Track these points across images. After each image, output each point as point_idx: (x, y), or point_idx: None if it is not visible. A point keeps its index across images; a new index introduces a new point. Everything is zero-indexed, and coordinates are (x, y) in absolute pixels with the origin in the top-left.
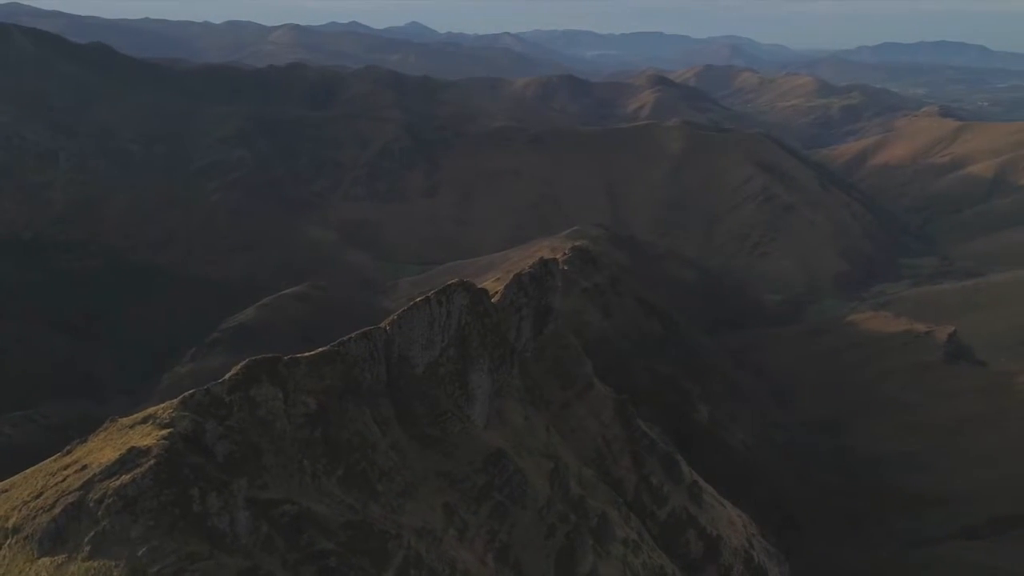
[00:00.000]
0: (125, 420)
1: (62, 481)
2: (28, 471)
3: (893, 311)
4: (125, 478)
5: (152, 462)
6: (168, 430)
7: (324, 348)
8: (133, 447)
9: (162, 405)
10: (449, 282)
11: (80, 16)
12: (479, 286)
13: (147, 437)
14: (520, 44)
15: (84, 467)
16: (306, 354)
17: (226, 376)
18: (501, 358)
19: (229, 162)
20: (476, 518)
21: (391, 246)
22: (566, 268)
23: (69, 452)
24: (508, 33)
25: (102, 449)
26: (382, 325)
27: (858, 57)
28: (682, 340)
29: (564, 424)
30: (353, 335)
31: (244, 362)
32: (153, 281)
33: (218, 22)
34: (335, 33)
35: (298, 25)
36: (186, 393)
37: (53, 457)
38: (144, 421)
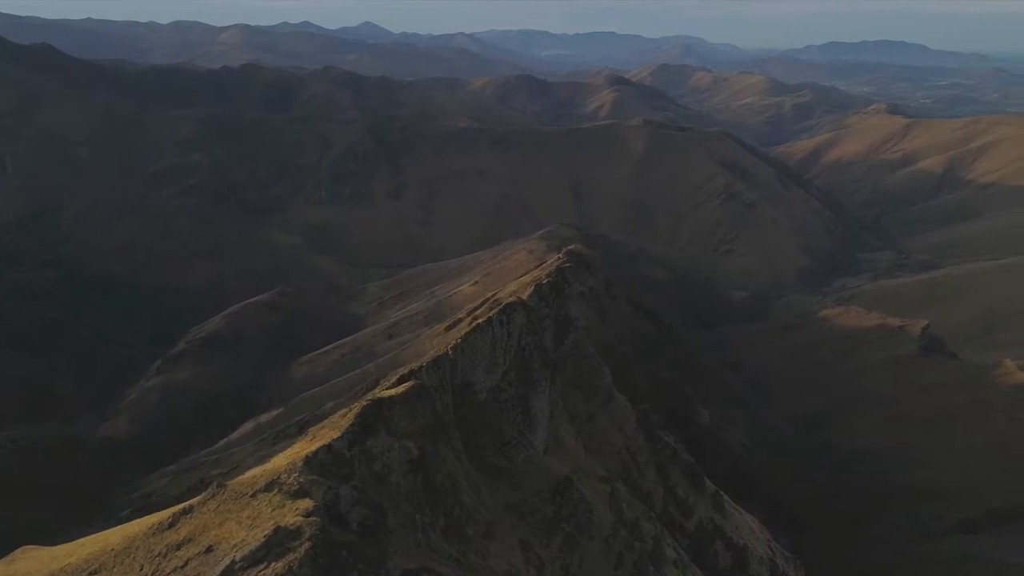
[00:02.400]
0: (239, 485)
1: (183, 566)
2: (116, 544)
3: (858, 305)
4: (277, 567)
5: (307, 546)
6: (306, 501)
7: (409, 384)
8: (279, 527)
9: (279, 465)
10: (507, 301)
11: (19, 16)
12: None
13: (283, 511)
14: (475, 44)
15: (210, 549)
16: (393, 391)
17: (344, 426)
18: (552, 377)
19: (186, 166)
20: (549, 552)
21: (356, 250)
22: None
23: (174, 525)
24: (463, 33)
25: (223, 524)
26: (446, 350)
27: (806, 56)
28: (675, 342)
29: (590, 438)
30: (424, 364)
31: (358, 408)
32: (111, 291)
33: (164, 22)
34: (287, 33)
35: (248, 25)
36: (307, 452)
37: (147, 528)
38: (268, 488)
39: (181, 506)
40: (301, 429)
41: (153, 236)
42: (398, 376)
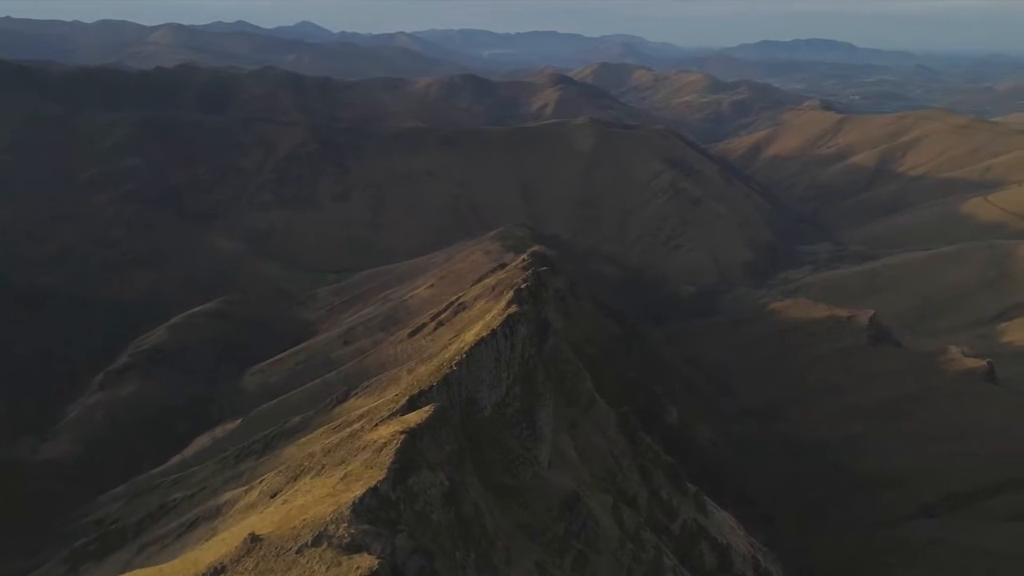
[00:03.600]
0: (278, 539)
1: None
2: None
3: (804, 297)
4: None
5: None
6: (365, 557)
7: (430, 409)
8: None
9: (320, 514)
10: (509, 312)
11: None
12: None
13: (340, 569)
14: (417, 43)
15: None
16: (417, 418)
17: (386, 464)
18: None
19: (121, 172)
20: (562, 572)
21: (303, 254)
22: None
23: None
24: (404, 32)
25: None
26: (451, 366)
27: (741, 54)
28: (640, 340)
29: (575, 444)
30: (433, 384)
31: (399, 443)
32: (45, 304)
33: (89, 21)
34: (221, 33)
35: (180, 24)
36: (353, 498)
37: None
38: (316, 543)
39: (208, 565)
40: (267, 445)
41: (88, 245)
42: (407, 397)
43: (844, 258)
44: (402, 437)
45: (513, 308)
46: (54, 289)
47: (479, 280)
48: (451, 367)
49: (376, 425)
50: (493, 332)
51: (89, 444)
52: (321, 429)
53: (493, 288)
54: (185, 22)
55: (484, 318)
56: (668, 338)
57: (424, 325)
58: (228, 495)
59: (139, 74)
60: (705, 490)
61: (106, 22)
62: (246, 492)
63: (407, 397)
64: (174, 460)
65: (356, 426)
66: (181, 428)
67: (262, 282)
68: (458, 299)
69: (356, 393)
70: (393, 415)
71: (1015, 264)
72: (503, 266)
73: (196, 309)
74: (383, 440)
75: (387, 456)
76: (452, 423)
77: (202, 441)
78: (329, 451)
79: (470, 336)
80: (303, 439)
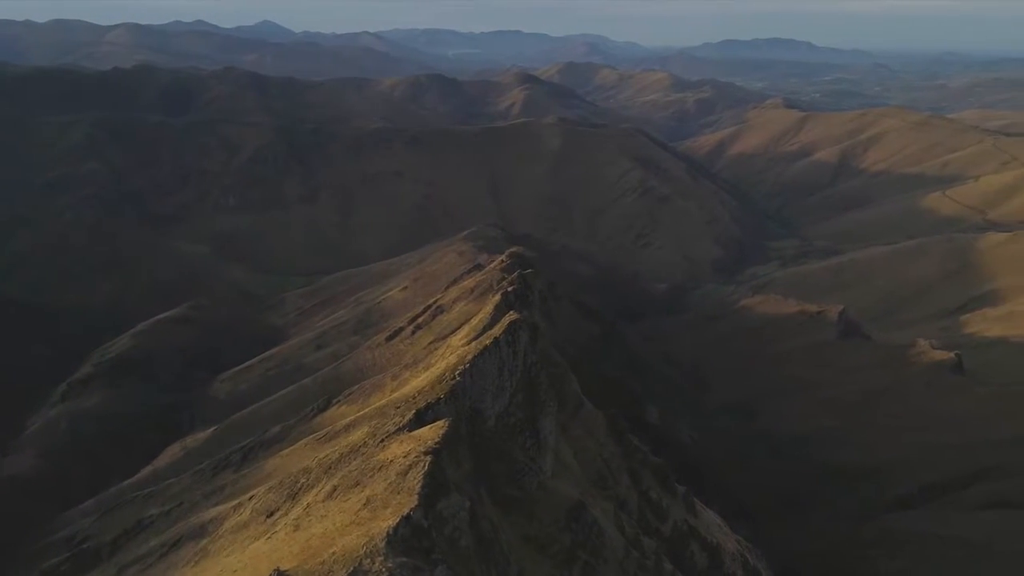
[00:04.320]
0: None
1: None
2: None
3: (772, 292)
4: None
5: None
6: None
7: (444, 424)
8: None
9: (349, 547)
10: (511, 319)
11: None
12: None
13: None
14: (381, 43)
15: None
16: (433, 435)
17: (416, 488)
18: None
19: (80, 175)
20: None
21: (271, 257)
22: (507, 276)
23: None
24: (368, 32)
25: None
26: (455, 376)
27: (703, 53)
28: (618, 340)
29: (566, 448)
30: (440, 397)
31: (427, 465)
32: (2, 313)
33: (42, 20)
34: (180, 32)
35: (138, 24)
36: (386, 528)
37: None
38: None
39: None
40: (245, 457)
41: (47, 251)
42: (414, 411)
43: (810, 253)
44: (428, 459)
45: (513, 315)
46: (12, 297)
47: (454, 282)
48: (455, 377)
49: (383, 441)
50: (496, 340)
51: (53, 458)
52: (305, 440)
53: (472, 290)
54: (142, 21)
55: (471, 322)
56: (642, 336)
57: (401, 329)
58: (213, 512)
59: (96, 75)
60: (684, 487)
61: (60, 22)
62: (234, 510)
63: (414, 410)
64: (145, 472)
65: (353, 438)
66: (149, 439)
67: (229, 286)
68: (435, 302)
69: (338, 401)
70: (400, 430)
71: (975, 257)
72: (479, 267)
73: (162, 315)
74: (403, 460)
75: (415, 480)
76: (467, 440)
77: (173, 451)
78: (329, 467)
79: (457, 340)
80: (286, 450)
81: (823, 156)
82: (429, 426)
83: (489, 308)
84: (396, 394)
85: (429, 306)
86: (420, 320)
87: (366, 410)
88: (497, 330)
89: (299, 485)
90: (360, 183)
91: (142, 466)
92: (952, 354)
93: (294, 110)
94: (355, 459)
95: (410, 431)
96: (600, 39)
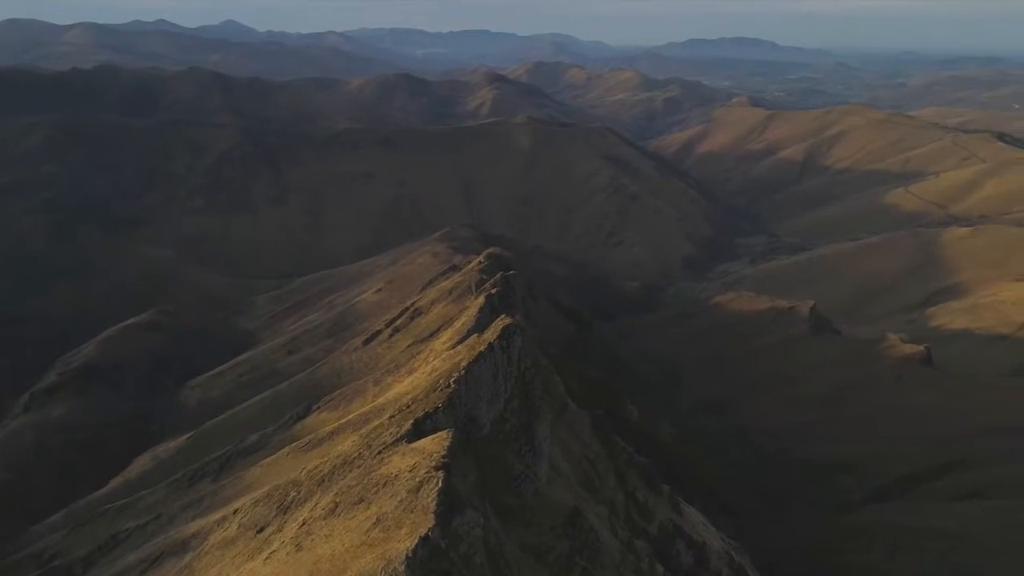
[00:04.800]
0: None
1: None
2: None
3: (743, 289)
4: None
5: None
6: None
7: (446, 435)
8: None
9: (372, 571)
10: (504, 323)
11: None
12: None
13: None
14: (348, 43)
15: None
16: (436, 447)
17: (431, 507)
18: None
19: (39, 179)
20: None
21: (239, 260)
22: (484, 277)
23: None
24: (334, 32)
25: None
26: (451, 384)
27: (669, 53)
28: (595, 338)
29: (557, 451)
30: (439, 406)
31: (440, 482)
32: None
33: None
34: (141, 32)
35: (97, 24)
36: (403, 550)
37: None
38: None
39: None
40: (223, 466)
41: (3, 258)
42: (411, 423)
43: (778, 250)
44: (440, 475)
45: (506, 318)
46: None
47: (430, 283)
48: (451, 385)
49: (381, 453)
50: (490, 345)
51: (17, 470)
52: (287, 449)
53: (450, 292)
54: (101, 21)
55: (453, 324)
56: (616, 334)
57: (378, 332)
58: (194, 526)
59: (54, 75)
60: (671, 487)
61: (15, 21)
62: (219, 524)
63: (411, 420)
64: (116, 483)
65: (344, 448)
66: (118, 448)
67: (197, 291)
68: (412, 304)
69: (318, 408)
70: (398, 441)
71: (939, 251)
72: (455, 268)
73: (128, 322)
74: (410, 475)
75: (428, 497)
76: (472, 452)
77: (144, 461)
78: (321, 480)
79: (440, 344)
80: (267, 460)
81: (789, 154)
82: (430, 437)
83: (473, 311)
84: (380, 400)
85: (406, 308)
86: (398, 323)
87: (350, 416)
88: (490, 335)
89: (290, 499)
90: (330, 184)
91: (112, 477)
92: (922, 347)
93: (261, 111)
94: (351, 471)
95: (409, 442)
96: (567, 38)
